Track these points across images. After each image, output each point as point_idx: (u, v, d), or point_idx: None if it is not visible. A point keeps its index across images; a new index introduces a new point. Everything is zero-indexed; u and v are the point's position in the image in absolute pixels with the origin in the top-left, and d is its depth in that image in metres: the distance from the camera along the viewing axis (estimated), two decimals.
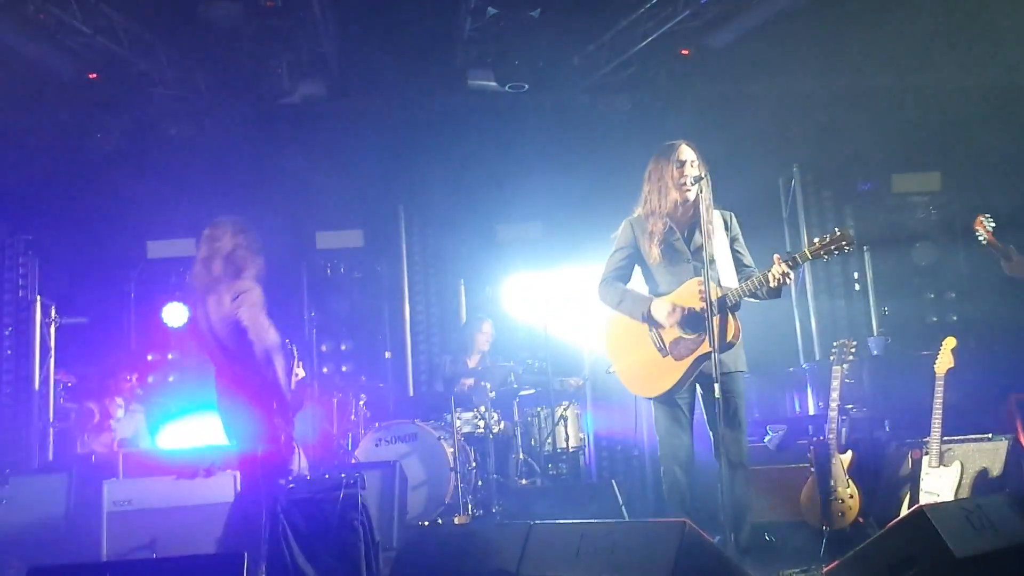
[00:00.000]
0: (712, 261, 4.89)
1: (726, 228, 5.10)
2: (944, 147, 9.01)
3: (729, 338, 4.80)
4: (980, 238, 5.82)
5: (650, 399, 5.09)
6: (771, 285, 4.73)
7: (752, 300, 4.91)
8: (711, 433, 4.87)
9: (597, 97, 8.94)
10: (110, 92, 8.49)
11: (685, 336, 4.92)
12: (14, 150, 8.55)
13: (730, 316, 4.83)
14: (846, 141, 8.76)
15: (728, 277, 4.97)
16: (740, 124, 8.37)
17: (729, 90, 8.91)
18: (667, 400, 4.98)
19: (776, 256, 4.74)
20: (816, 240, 4.77)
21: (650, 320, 4.97)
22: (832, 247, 4.68)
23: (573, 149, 9.09)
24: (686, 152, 5.06)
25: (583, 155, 8.97)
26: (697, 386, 4.70)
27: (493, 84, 8.44)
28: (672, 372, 4.92)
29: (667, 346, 4.95)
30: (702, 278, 4.70)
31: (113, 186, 8.80)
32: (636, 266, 5.22)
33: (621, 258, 5.20)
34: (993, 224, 5.69)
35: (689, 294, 4.89)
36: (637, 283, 5.23)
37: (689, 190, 4.96)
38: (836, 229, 4.73)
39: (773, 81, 8.94)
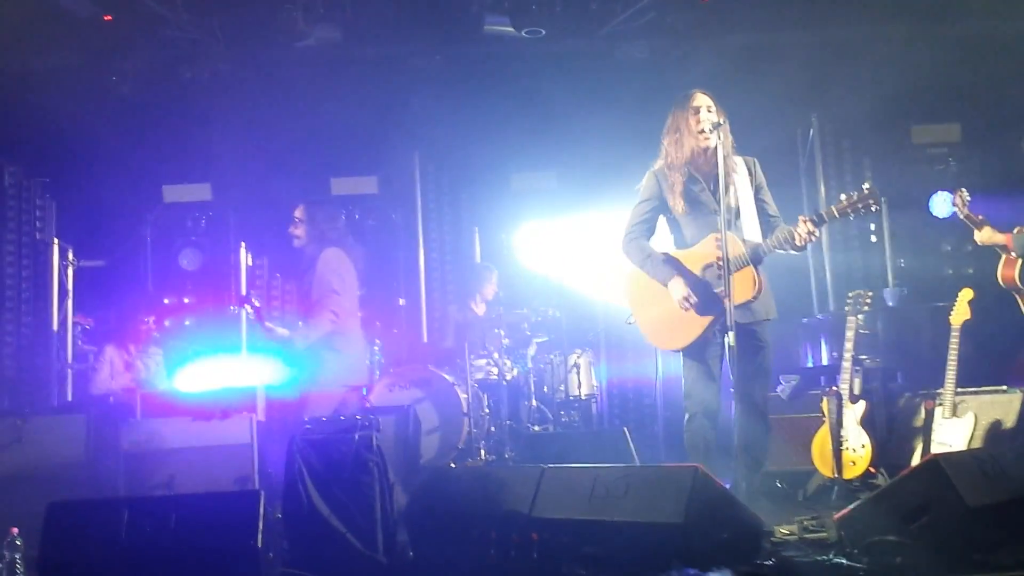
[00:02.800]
0: (735, 211, 4.87)
1: (750, 175, 5.06)
2: (964, 98, 8.89)
3: (752, 294, 4.80)
4: (958, 212, 5.87)
5: (671, 350, 5.12)
6: (797, 244, 4.74)
7: (779, 252, 4.91)
8: (733, 379, 4.86)
9: (614, 44, 8.81)
10: (125, 34, 8.44)
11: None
12: (31, 93, 8.53)
13: (755, 271, 4.83)
14: (865, 92, 8.65)
15: (752, 228, 4.94)
16: (758, 74, 8.26)
17: (747, 39, 8.79)
18: (697, 353, 5.01)
19: (801, 216, 4.74)
20: (843, 197, 4.77)
21: (667, 286, 4.99)
22: (860, 205, 4.68)
23: (589, 97, 8.99)
24: (701, 98, 5.02)
25: (599, 104, 8.87)
26: (728, 335, 4.69)
27: (509, 29, 8.33)
28: (694, 326, 4.94)
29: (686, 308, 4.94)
30: (719, 232, 4.68)
31: (129, 130, 8.78)
32: (661, 216, 5.21)
33: (646, 209, 5.19)
34: (969, 198, 5.82)
35: (711, 249, 4.88)
36: (662, 232, 5.23)
37: (708, 137, 4.92)
38: (864, 187, 4.71)
39: (792, 31, 8.81)
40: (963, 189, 5.89)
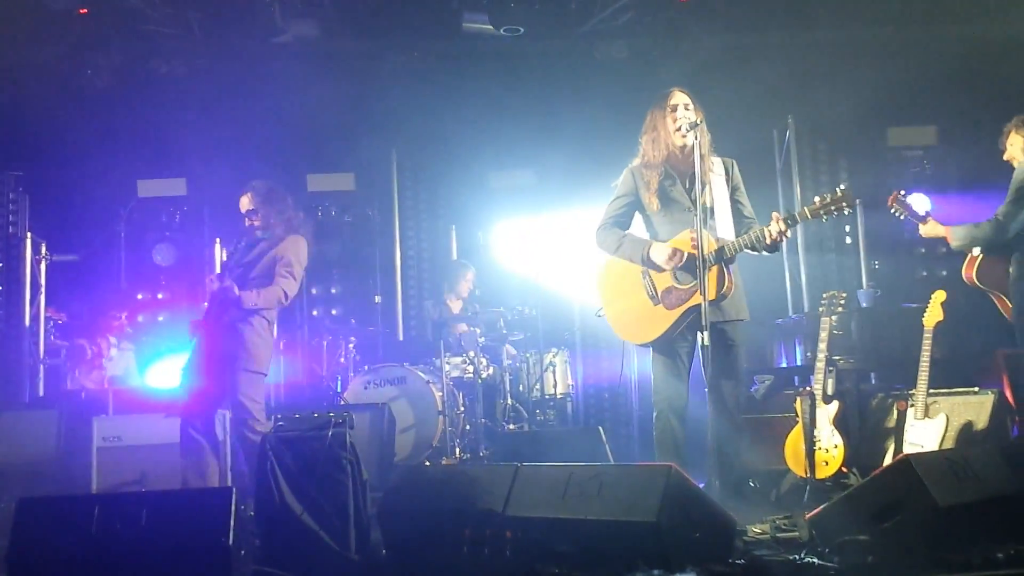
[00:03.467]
0: (709, 210, 4.89)
1: (727, 176, 5.08)
2: (940, 101, 8.96)
3: (722, 291, 4.81)
4: (897, 214, 5.98)
5: (643, 346, 5.12)
6: (767, 242, 4.75)
7: (751, 253, 4.93)
8: (706, 378, 4.89)
9: (593, 43, 8.83)
10: (101, 28, 8.38)
11: (677, 286, 4.94)
12: (4, 85, 8.44)
13: (724, 269, 4.84)
14: (842, 93, 8.70)
15: (726, 228, 4.95)
16: (736, 74, 8.29)
17: (726, 40, 8.82)
18: (666, 348, 5.01)
19: (775, 214, 4.76)
20: (816, 199, 4.82)
21: (649, 263, 4.98)
22: (832, 207, 4.73)
23: (568, 96, 9.01)
24: (678, 96, 5.03)
25: (578, 103, 8.89)
26: (698, 334, 4.67)
27: (488, 27, 8.32)
28: (661, 321, 4.95)
29: (659, 295, 4.96)
30: (692, 229, 4.70)
31: (104, 123, 8.72)
32: (636, 214, 5.22)
33: (620, 205, 5.20)
34: (903, 192, 6.05)
35: (683, 244, 4.89)
36: (637, 231, 5.24)
37: (684, 136, 4.93)
38: (838, 189, 4.77)
39: (770, 32, 8.86)
40: (898, 191, 6.07)
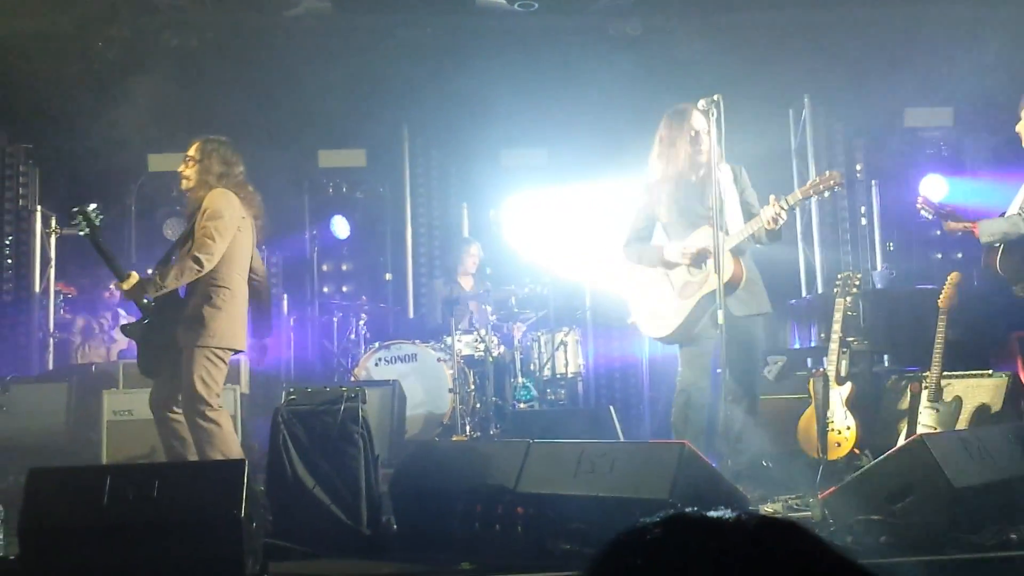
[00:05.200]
0: (720, 211, 4.97)
1: (735, 181, 5.17)
2: (957, 82, 8.88)
3: (728, 278, 4.84)
4: (925, 214, 5.91)
5: (668, 340, 5.18)
6: (765, 226, 4.78)
7: (759, 247, 5.06)
8: (722, 367, 4.98)
9: (608, 20, 8.75)
10: (112, 1, 8.33)
11: (691, 279, 5.08)
12: (15, 58, 8.40)
13: (733, 258, 4.88)
14: (859, 73, 8.63)
15: (736, 226, 5.07)
16: (752, 52, 8.23)
17: (741, 18, 8.74)
18: (690, 340, 5.10)
19: (772, 197, 4.80)
20: (807, 183, 4.98)
21: (664, 263, 5.12)
22: (822, 187, 4.86)
23: (581, 74, 8.94)
24: (699, 121, 5.02)
25: (591, 81, 8.82)
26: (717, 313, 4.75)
27: (502, 2, 8.25)
28: (679, 312, 5.06)
29: (678, 289, 5.06)
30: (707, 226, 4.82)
31: (114, 97, 8.67)
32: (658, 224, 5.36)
33: (641, 220, 5.32)
34: (924, 196, 6.07)
35: (696, 241, 5.02)
36: (657, 238, 5.39)
37: (703, 162, 4.99)
38: (826, 172, 5.00)
39: (787, 9, 8.78)
40: (922, 195, 6.13)
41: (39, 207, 8.88)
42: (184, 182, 5.32)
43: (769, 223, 4.78)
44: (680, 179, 5.12)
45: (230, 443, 4.81)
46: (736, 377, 4.92)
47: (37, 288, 8.69)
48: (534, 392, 7.99)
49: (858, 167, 9.30)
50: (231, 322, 4.99)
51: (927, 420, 5.65)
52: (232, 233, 5.04)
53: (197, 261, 4.88)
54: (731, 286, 4.88)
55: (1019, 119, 5.71)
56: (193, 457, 4.79)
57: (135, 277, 4.98)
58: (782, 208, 4.78)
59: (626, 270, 5.48)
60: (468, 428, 7.54)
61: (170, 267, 4.97)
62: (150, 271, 5.36)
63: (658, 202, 5.18)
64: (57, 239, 8.98)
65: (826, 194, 4.94)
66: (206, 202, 5.05)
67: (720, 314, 4.57)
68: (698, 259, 4.98)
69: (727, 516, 0.97)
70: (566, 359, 8.21)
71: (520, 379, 8.06)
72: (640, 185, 5.34)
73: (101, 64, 8.65)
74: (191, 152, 5.34)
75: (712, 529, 0.96)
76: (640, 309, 5.35)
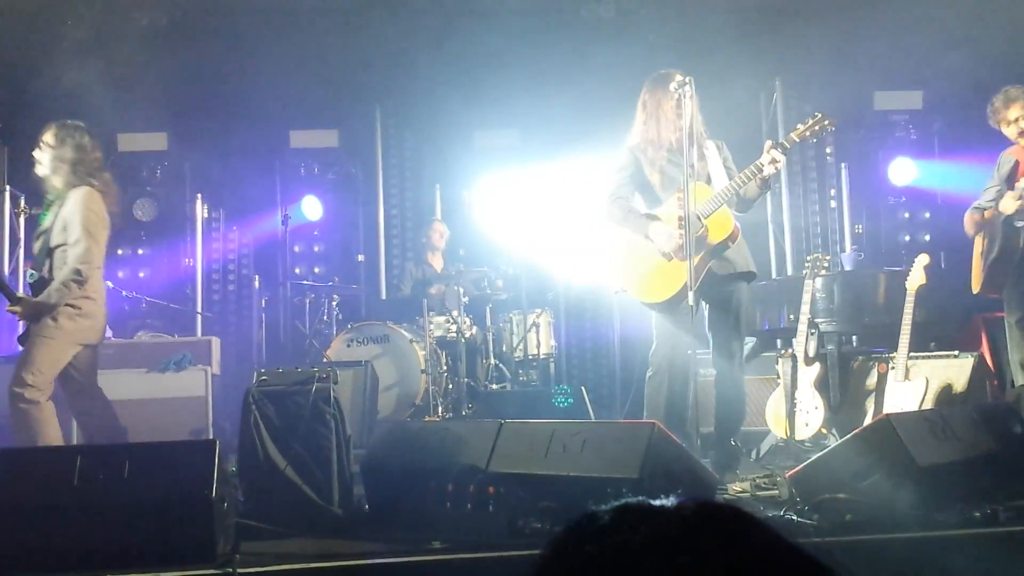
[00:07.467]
0: (706, 177, 5.04)
1: (719, 151, 5.22)
2: (927, 65, 8.95)
3: (728, 233, 4.87)
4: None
5: (667, 304, 5.08)
6: (763, 174, 4.80)
7: (741, 214, 5.07)
8: (710, 336, 5.16)
9: (581, 2, 8.75)
10: None
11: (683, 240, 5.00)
12: None
13: (727, 211, 4.94)
14: (828, 57, 8.67)
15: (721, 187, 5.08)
16: (723, 36, 8.24)
17: (714, 1, 8.76)
18: (673, 307, 5.02)
19: (768, 142, 4.82)
20: (800, 125, 5.03)
21: (648, 238, 5.07)
22: (817, 127, 4.97)
23: (554, 56, 8.93)
24: (679, 87, 5.03)
25: (564, 62, 8.82)
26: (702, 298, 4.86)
27: None
28: (681, 272, 4.92)
29: (671, 252, 4.97)
30: (683, 187, 4.76)
31: (83, 75, 8.56)
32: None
33: (624, 177, 5.26)
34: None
35: (674, 207, 4.95)
36: (636, 203, 5.34)
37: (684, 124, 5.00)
38: (816, 113, 5.02)
39: None
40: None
41: (7, 187, 8.77)
42: (38, 167, 5.33)
43: (769, 166, 4.80)
44: (665, 143, 5.12)
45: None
46: (721, 347, 5.04)
47: (6, 269, 8.60)
48: (508, 375, 8.03)
49: (828, 150, 9.37)
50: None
51: (894, 400, 5.72)
52: (105, 237, 5.24)
53: (78, 274, 5.04)
54: (732, 238, 4.95)
55: (1000, 118, 5.76)
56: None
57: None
58: (780, 152, 4.81)
59: (607, 237, 5.37)
60: (440, 409, 7.56)
61: (54, 285, 5.08)
62: (31, 268, 5.35)
63: (649, 165, 5.14)
64: (26, 219, 8.87)
65: (820, 135, 5.07)
66: (76, 205, 5.10)
67: (690, 296, 4.58)
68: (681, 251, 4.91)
69: (669, 503, 1.05)
70: (538, 340, 8.24)
71: (492, 360, 8.09)
72: (623, 148, 5.28)
73: (70, 42, 8.53)
74: (46, 137, 5.34)
75: (654, 515, 1.04)
76: (630, 274, 5.22)
